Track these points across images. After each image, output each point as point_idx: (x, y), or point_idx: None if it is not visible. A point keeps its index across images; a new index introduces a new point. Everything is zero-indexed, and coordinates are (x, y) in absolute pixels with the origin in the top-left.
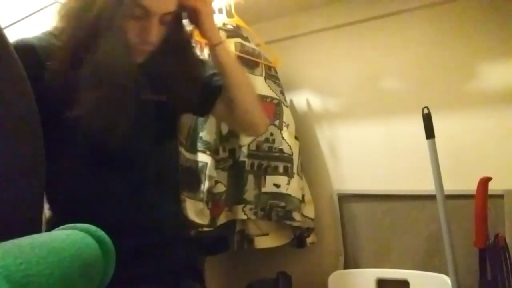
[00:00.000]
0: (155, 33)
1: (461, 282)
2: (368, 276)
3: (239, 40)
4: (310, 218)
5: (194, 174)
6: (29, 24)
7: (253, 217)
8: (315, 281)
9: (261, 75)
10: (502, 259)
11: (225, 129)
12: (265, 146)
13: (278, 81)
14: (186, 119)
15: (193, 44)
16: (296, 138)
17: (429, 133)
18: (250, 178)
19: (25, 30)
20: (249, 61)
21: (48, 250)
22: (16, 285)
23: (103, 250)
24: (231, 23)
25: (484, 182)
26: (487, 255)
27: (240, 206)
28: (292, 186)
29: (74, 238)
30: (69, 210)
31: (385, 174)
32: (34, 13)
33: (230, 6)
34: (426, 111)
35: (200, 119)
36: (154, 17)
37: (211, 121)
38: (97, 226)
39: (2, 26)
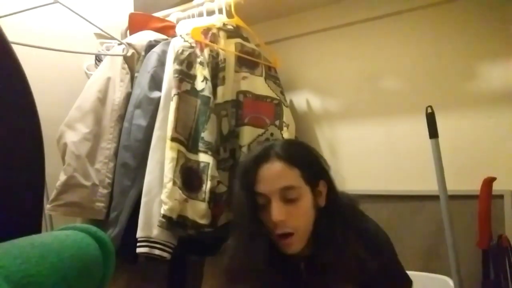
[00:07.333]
0: (278, 212)
1: (463, 284)
2: None
3: (239, 40)
4: None
5: (195, 174)
6: (28, 19)
7: None
8: None
9: (261, 75)
10: (505, 260)
11: (225, 129)
12: None
13: (278, 81)
14: (188, 119)
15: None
16: (296, 138)
17: (433, 132)
18: None
19: (22, 24)
20: (249, 61)
21: (48, 250)
22: (16, 285)
23: (103, 251)
24: (231, 23)
25: (488, 182)
26: (490, 256)
27: None
28: None
29: (74, 238)
30: None
31: (385, 174)
32: (33, 8)
33: (230, 6)
34: (429, 110)
35: (201, 119)
36: (273, 197)
37: (212, 121)
38: None
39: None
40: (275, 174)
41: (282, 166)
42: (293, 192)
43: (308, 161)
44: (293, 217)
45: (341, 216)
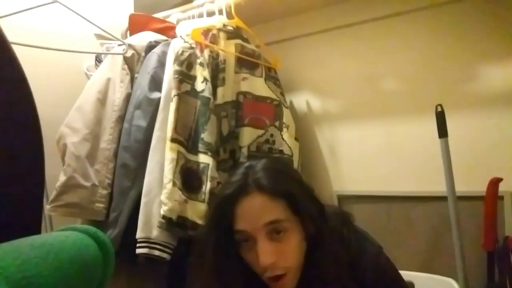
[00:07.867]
0: (267, 254)
1: (468, 286)
2: None
3: (239, 41)
4: None
5: (195, 175)
6: (28, 19)
7: None
8: None
9: (261, 76)
10: (511, 262)
11: (225, 130)
12: (265, 147)
13: (278, 82)
14: (188, 120)
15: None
16: (296, 139)
17: (442, 131)
18: None
19: (22, 24)
20: (249, 62)
21: (48, 251)
22: (16, 286)
23: (102, 252)
24: (231, 25)
25: (495, 183)
26: (495, 258)
27: None
28: None
29: (73, 239)
30: None
31: (385, 175)
32: (33, 8)
33: (230, 7)
34: (439, 108)
35: (201, 120)
36: (258, 235)
37: (212, 122)
38: None
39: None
40: (258, 210)
41: (265, 199)
42: (281, 225)
43: (294, 188)
44: (284, 256)
45: (333, 242)
